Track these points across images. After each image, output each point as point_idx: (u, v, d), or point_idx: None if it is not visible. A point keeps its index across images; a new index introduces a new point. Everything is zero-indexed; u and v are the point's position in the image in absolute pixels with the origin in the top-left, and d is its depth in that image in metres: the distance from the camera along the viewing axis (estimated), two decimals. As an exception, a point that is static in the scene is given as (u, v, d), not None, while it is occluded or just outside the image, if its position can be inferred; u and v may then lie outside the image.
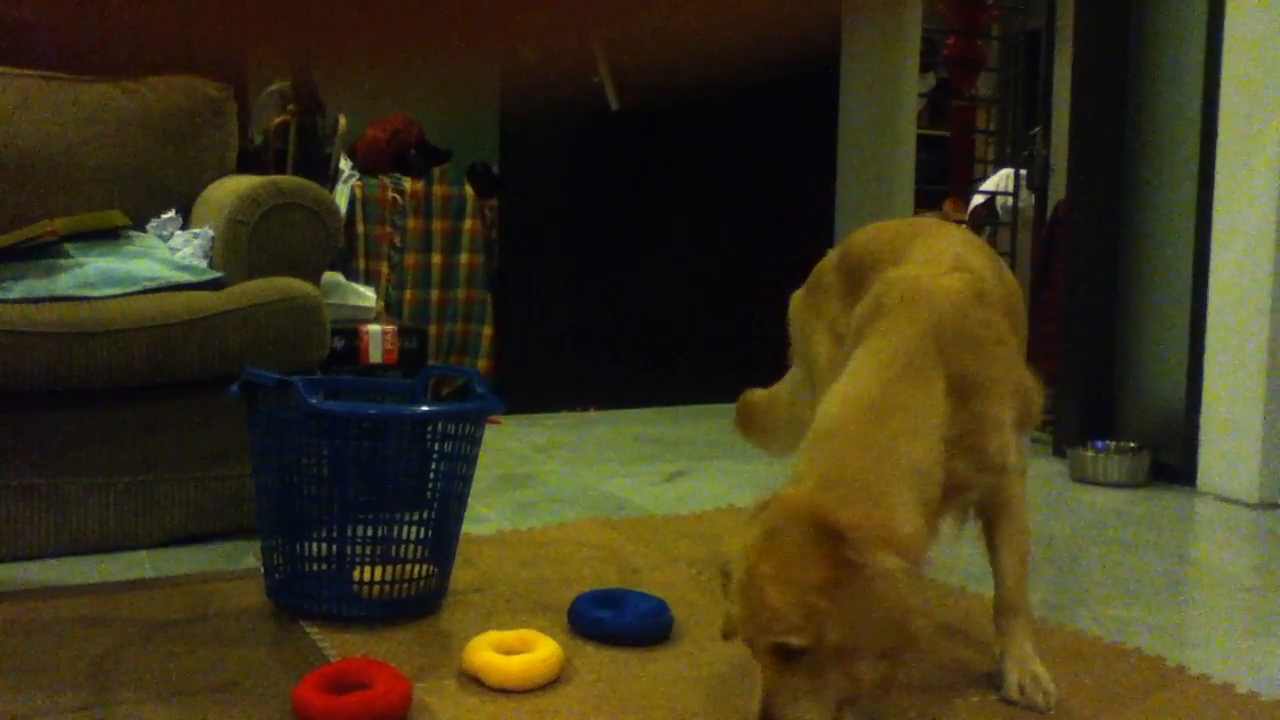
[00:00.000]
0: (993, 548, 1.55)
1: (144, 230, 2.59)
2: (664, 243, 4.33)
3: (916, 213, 4.84)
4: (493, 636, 1.60)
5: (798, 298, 1.90)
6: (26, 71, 2.65)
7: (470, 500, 1.93)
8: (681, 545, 2.29)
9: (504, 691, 1.51)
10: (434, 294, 4.10)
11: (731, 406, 2.17)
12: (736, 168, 4.42)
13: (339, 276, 3.03)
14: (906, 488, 1.31)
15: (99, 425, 2.20)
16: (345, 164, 3.98)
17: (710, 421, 3.92)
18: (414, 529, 1.85)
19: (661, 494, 2.82)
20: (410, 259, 4.05)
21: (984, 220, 5.57)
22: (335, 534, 1.81)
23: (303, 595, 1.81)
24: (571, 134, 4.07)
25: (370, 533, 1.82)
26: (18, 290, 2.21)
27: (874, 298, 1.51)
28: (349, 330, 2.90)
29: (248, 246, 2.39)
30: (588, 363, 4.20)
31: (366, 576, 1.81)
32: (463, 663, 1.57)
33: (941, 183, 5.84)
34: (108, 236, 2.45)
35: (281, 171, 3.04)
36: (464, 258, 4.13)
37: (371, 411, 1.82)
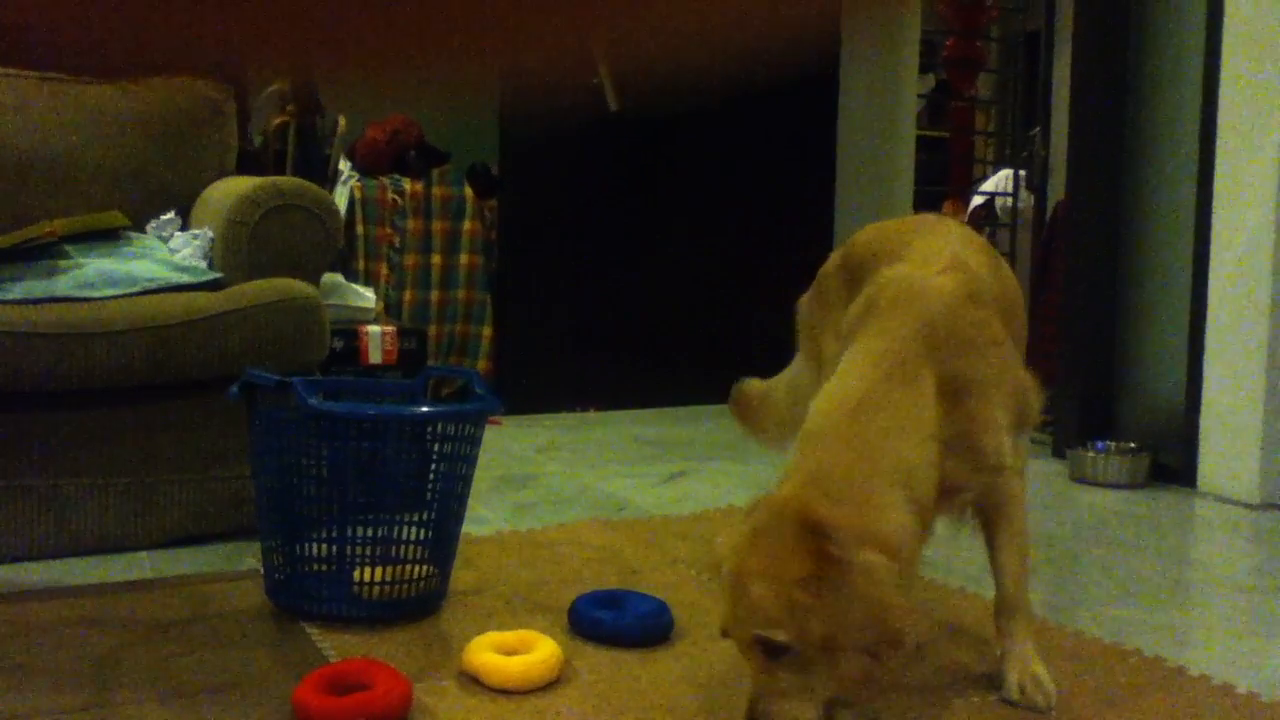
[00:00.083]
0: (992, 548, 1.55)
1: (143, 231, 2.59)
2: (664, 243, 4.33)
3: (916, 214, 4.83)
4: (493, 637, 1.60)
5: (804, 298, 1.90)
6: (26, 72, 2.65)
7: (470, 501, 1.93)
8: (681, 546, 2.29)
9: (504, 692, 1.51)
10: (433, 295, 4.10)
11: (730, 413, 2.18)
12: (736, 168, 4.42)
13: (338, 277, 3.03)
14: (894, 487, 1.31)
15: (98, 426, 2.20)
16: (344, 165, 3.99)
17: (710, 422, 3.92)
18: (414, 530, 1.85)
19: (661, 495, 2.82)
20: (410, 260, 4.05)
21: (983, 221, 5.57)
22: (335, 535, 1.81)
23: (303, 596, 1.81)
24: (571, 135, 4.07)
25: (370, 533, 1.82)
26: (17, 291, 2.21)
27: (867, 298, 1.51)
28: (349, 331, 2.90)
29: (247, 247, 2.39)
30: (587, 363, 4.20)
31: (366, 577, 1.81)
32: (463, 663, 1.57)
33: (941, 184, 5.84)
34: (107, 237, 2.45)
35: (281, 172, 3.04)
36: (463, 258, 4.14)
37: (371, 412, 1.82)
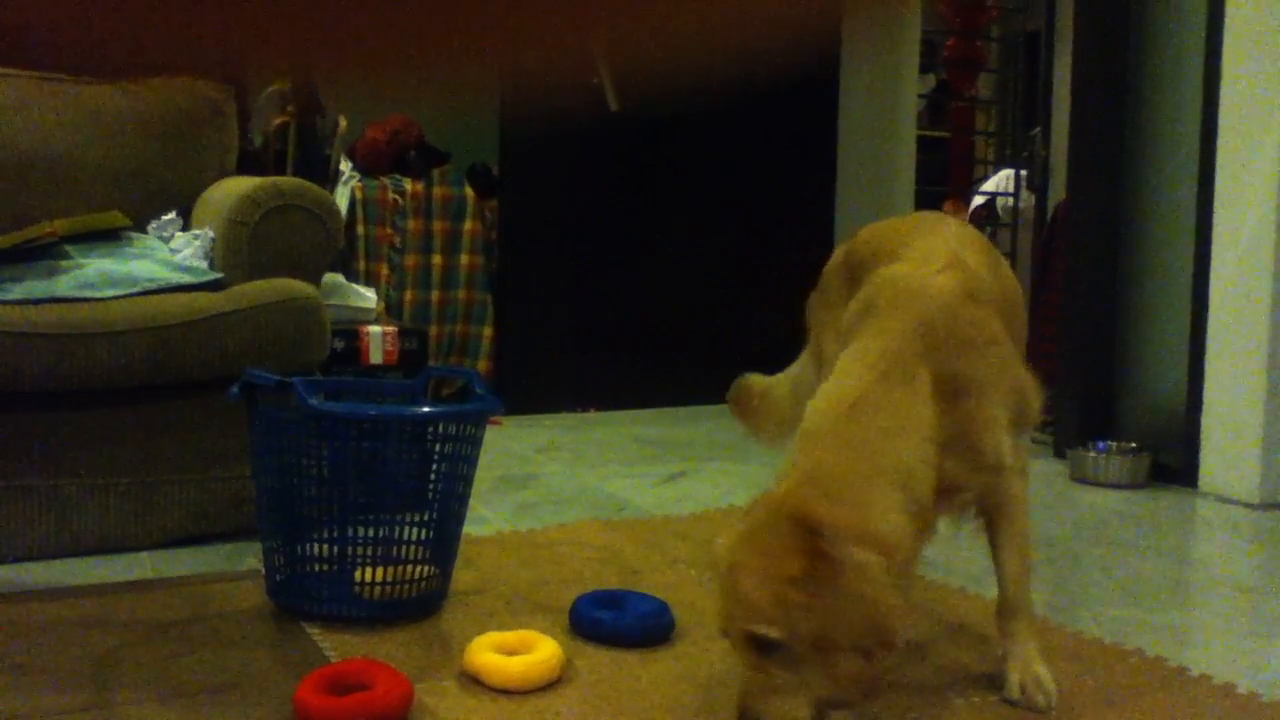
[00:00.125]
0: (994, 548, 1.55)
1: (144, 231, 2.59)
2: (664, 244, 4.33)
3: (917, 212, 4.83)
4: (493, 637, 1.60)
5: (811, 297, 1.90)
6: (26, 73, 2.65)
7: (471, 501, 1.93)
8: (682, 546, 2.29)
9: (504, 692, 1.51)
10: (434, 295, 4.10)
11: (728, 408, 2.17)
12: (737, 169, 4.42)
13: (339, 277, 3.03)
14: (888, 487, 1.31)
15: (99, 426, 2.20)
16: (345, 165, 3.99)
17: (710, 422, 3.92)
18: (415, 530, 1.85)
19: (662, 495, 2.82)
20: (410, 260, 4.05)
21: (984, 221, 5.57)
22: (336, 535, 1.81)
23: (303, 596, 1.81)
24: (571, 135, 4.07)
25: (371, 534, 1.82)
26: (18, 291, 2.21)
27: (865, 297, 1.51)
28: (349, 331, 2.90)
29: (248, 248, 2.39)
30: (588, 364, 4.20)
31: (367, 577, 1.81)
32: (463, 663, 1.57)
33: (941, 183, 5.84)
34: (108, 238, 2.45)
35: (281, 173, 3.04)
36: (464, 259, 4.14)
37: (372, 412, 1.82)
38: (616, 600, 1.79)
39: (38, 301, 2.20)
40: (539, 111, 3.64)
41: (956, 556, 2.21)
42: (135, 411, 2.23)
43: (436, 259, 4.10)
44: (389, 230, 4.01)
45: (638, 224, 4.30)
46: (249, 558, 2.17)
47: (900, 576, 1.25)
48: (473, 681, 1.55)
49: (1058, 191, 4.16)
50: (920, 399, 1.37)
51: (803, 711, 1.25)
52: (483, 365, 4.12)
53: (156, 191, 2.70)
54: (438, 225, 4.10)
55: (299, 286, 2.35)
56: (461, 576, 1.99)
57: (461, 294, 4.14)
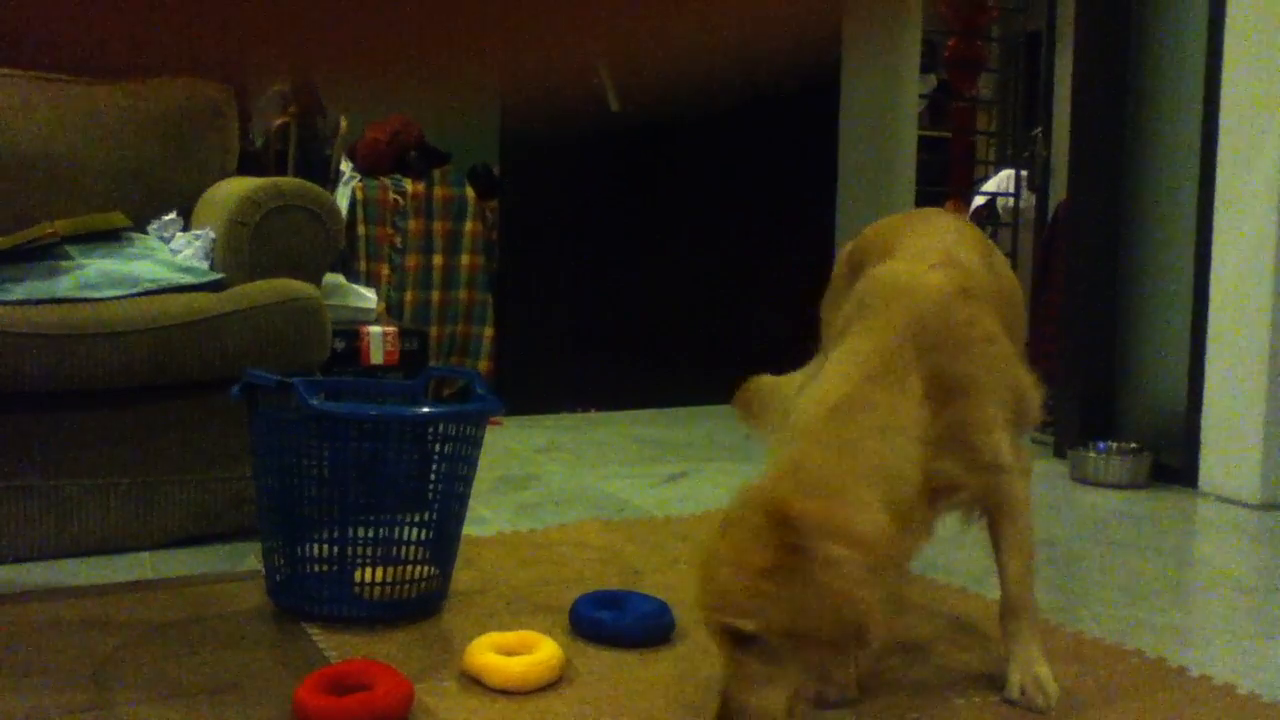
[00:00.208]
0: (996, 549, 1.54)
1: (145, 232, 2.59)
2: (664, 244, 4.33)
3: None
4: (493, 638, 1.60)
5: (824, 297, 1.90)
6: (28, 73, 2.65)
7: (471, 501, 1.93)
8: (682, 547, 2.29)
9: (505, 693, 1.51)
10: (435, 295, 4.10)
11: (731, 408, 2.17)
12: (737, 169, 4.42)
13: (340, 278, 3.03)
14: (870, 485, 1.30)
15: (100, 427, 2.20)
16: (346, 165, 3.99)
17: (711, 423, 3.92)
18: (415, 530, 1.85)
19: (662, 495, 2.82)
20: (411, 260, 4.05)
21: (985, 221, 5.57)
22: (336, 535, 1.81)
23: (304, 597, 1.81)
24: (572, 136, 4.07)
25: (371, 534, 1.82)
26: (18, 292, 2.21)
27: (857, 295, 1.50)
28: (350, 332, 2.90)
29: (249, 248, 2.39)
30: (588, 364, 4.20)
31: (367, 578, 1.81)
32: (464, 664, 1.57)
33: (942, 184, 5.84)
34: (109, 238, 2.45)
35: (282, 173, 3.04)
36: (465, 259, 4.14)
37: (372, 413, 1.82)
38: (617, 601, 1.79)
39: (39, 302, 2.20)
40: (540, 112, 3.64)
41: (956, 556, 2.21)
42: (136, 412, 2.23)
43: (437, 259, 4.10)
44: (390, 231, 4.01)
45: (638, 224, 4.30)
46: (249, 558, 2.17)
47: (879, 573, 1.25)
48: (473, 682, 1.55)
49: (1058, 192, 4.16)
50: (909, 398, 1.36)
51: (779, 702, 1.26)
52: (483, 366, 4.12)
53: (157, 192, 2.71)
54: (438, 226, 4.10)
55: (300, 287, 2.35)
56: (462, 577, 1.99)
57: (462, 294, 4.14)
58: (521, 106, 3.90)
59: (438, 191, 4.10)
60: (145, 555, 2.21)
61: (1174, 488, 3.05)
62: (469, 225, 4.14)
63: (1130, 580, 2.17)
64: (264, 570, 1.88)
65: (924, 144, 5.02)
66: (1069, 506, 2.86)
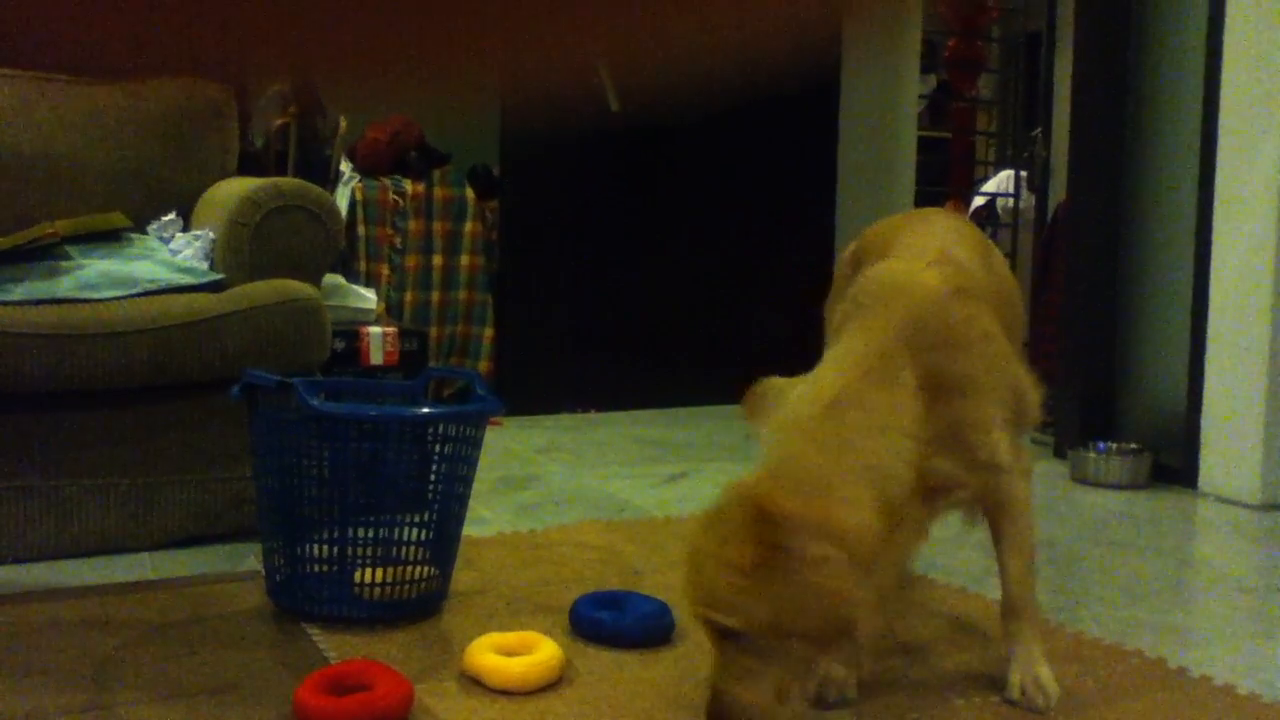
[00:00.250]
0: (997, 550, 1.54)
1: (145, 232, 2.59)
2: (664, 244, 4.33)
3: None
4: (493, 638, 1.60)
5: (829, 296, 1.90)
6: (28, 73, 2.65)
7: (471, 502, 1.93)
8: (682, 547, 2.29)
9: (505, 693, 1.51)
10: (434, 296, 4.10)
11: (732, 408, 2.17)
12: (737, 169, 4.42)
13: (340, 278, 3.03)
14: (860, 482, 1.29)
15: (100, 427, 2.20)
16: (345, 166, 3.99)
17: (711, 423, 3.92)
18: (415, 531, 1.85)
19: (662, 496, 2.82)
20: (411, 261, 4.05)
21: (985, 221, 5.57)
22: (336, 536, 1.81)
23: (304, 597, 1.81)
24: (572, 136, 4.07)
25: (371, 534, 1.82)
26: (18, 292, 2.21)
27: (853, 294, 1.50)
28: (350, 332, 2.90)
29: (249, 248, 2.39)
30: (588, 364, 4.20)
31: (367, 578, 1.81)
32: (464, 664, 1.57)
33: (942, 184, 5.84)
34: (109, 238, 2.45)
35: (282, 173, 3.04)
36: (464, 260, 4.14)
37: (372, 413, 1.82)
38: (617, 601, 1.79)
39: (38, 302, 2.20)
40: (540, 112, 3.64)
41: (957, 556, 2.21)
42: (136, 412, 2.23)
43: (437, 260, 4.10)
44: (389, 231, 4.01)
45: (638, 225, 4.30)
46: (249, 559, 2.17)
47: (865, 571, 1.25)
48: (473, 682, 1.55)
49: (1058, 192, 4.16)
50: (902, 396, 1.36)
51: (766, 696, 1.27)
52: (483, 366, 4.12)
53: (157, 192, 2.71)
54: (438, 226, 4.10)
55: (299, 287, 2.35)
56: (462, 577, 1.99)
57: (462, 295, 4.14)
58: (521, 107, 3.90)
59: (437, 192, 4.10)
60: (145, 556, 2.21)
61: (1174, 488, 3.05)
62: (469, 226, 4.14)
63: (1130, 581, 2.17)
64: (264, 571, 1.88)
65: (924, 144, 5.02)
66: (1069, 507, 2.86)
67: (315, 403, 1.72)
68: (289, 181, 2.51)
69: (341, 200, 3.87)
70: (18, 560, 2.13)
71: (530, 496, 2.80)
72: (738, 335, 4.32)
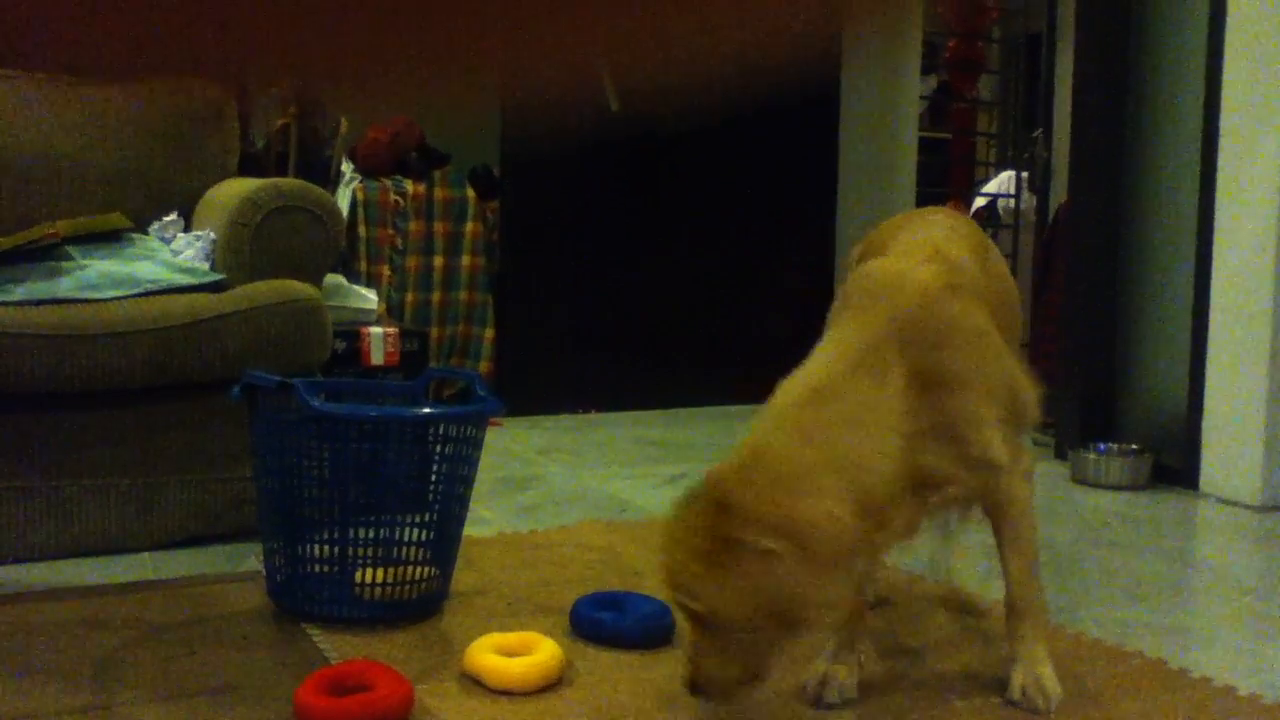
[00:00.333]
0: (1000, 551, 1.54)
1: (145, 232, 2.59)
2: (665, 245, 4.33)
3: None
4: (494, 639, 1.60)
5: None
6: (29, 74, 2.65)
7: (471, 502, 1.93)
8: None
9: (505, 694, 1.51)
10: (435, 296, 4.10)
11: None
12: (738, 170, 4.42)
13: (340, 279, 3.03)
14: (833, 475, 1.29)
15: (100, 427, 2.20)
16: (346, 166, 3.99)
17: (712, 424, 3.92)
18: (415, 531, 1.85)
19: (663, 496, 2.82)
20: (412, 261, 4.05)
21: (985, 222, 5.57)
22: (336, 536, 1.81)
23: (304, 597, 1.81)
24: (572, 137, 4.07)
25: (371, 535, 1.82)
26: (19, 292, 2.21)
27: (846, 291, 1.50)
28: (350, 332, 2.90)
29: (249, 249, 2.39)
30: (589, 365, 4.20)
31: (368, 578, 1.81)
32: (464, 665, 1.57)
33: (942, 185, 5.84)
34: (109, 239, 2.46)
35: (283, 174, 3.04)
36: (465, 260, 4.14)
37: (373, 413, 1.82)
38: (617, 602, 1.79)
39: (39, 302, 2.20)
40: (540, 113, 3.64)
41: (956, 556, 2.21)
42: (136, 412, 2.23)
43: (438, 260, 4.10)
44: (390, 232, 4.02)
45: (639, 225, 4.30)
46: (249, 559, 2.17)
47: (826, 566, 1.25)
48: (473, 683, 1.55)
49: (1059, 193, 4.16)
50: (888, 391, 1.35)
51: (732, 675, 1.29)
52: (484, 366, 4.12)
53: (158, 193, 2.71)
54: (439, 227, 4.11)
55: (300, 288, 2.35)
56: (462, 578, 1.99)
57: (463, 295, 4.14)
58: (522, 107, 3.90)
59: (438, 192, 4.11)
60: (146, 556, 2.21)
61: (1174, 489, 3.05)
62: (469, 226, 4.14)
63: (1131, 581, 2.17)
64: (264, 571, 1.88)
65: (924, 145, 5.02)
66: (1069, 508, 2.86)
67: (316, 403, 1.72)
68: (290, 182, 2.51)
69: (342, 201, 3.88)
70: (18, 560, 2.14)
71: (531, 497, 2.80)
72: (738, 336, 4.32)
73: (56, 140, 2.63)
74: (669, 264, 4.33)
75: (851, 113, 4.63)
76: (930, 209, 1.74)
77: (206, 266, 2.43)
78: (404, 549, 1.84)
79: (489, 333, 4.16)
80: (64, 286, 2.26)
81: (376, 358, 2.93)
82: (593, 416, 4.12)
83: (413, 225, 4.05)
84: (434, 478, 1.85)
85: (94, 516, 2.20)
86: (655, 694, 1.53)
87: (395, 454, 1.79)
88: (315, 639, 1.72)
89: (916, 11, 4.68)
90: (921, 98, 5.11)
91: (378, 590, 1.80)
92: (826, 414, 1.33)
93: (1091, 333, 3.42)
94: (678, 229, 4.35)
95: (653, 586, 1.97)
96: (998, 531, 1.53)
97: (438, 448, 1.84)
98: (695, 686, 1.32)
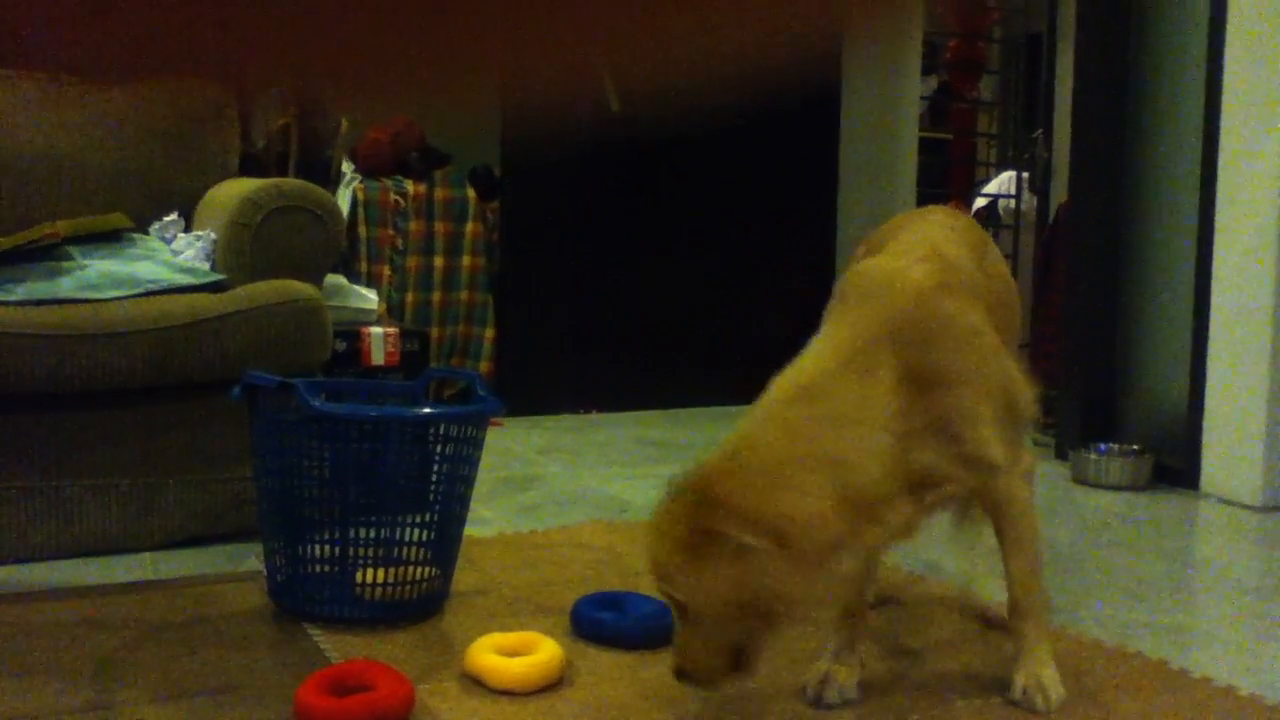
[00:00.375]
0: (1002, 551, 1.53)
1: (146, 233, 2.59)
2: (665, 245, 4.33)
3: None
4: (495, 639, 1.60)
5: None
6: (30, 74, 2.65)
7: (472, 502, 1.93)
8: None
9: (506, 694, 1.51)
10: (436, 296, 4.10)
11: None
12: (738, 170, 4.42)
13: (341, 279, 3.03)
14: (815, 472, 1.29)
15: (101, 428, 2.20)
16: (347, 166, 3.99)
17: (712, 424, 3.92)
18: (416, 531, 1.85)
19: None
20: (412, 261, 4.05)
21: (986, 223, 5.57)
22: (337, 536, 1.81)
23: (305, 597, 1.81)
24: (573, 137, 4.07)
25: (372, 535, 1.82)
26: (20, 292, 2.21)
27: (839, 289, 1.50)
28: (351, 332, 2.90)
29: (250, 249, 2.39)
30: (589, 365, 4.20)
31: (368, 578, 1.81)
32: (465, 665, 1.57)
33: (943, 186, 5.84)
34: (110, 239, 2.46)
35: (283, 174, 3.04)
36: (465, 260, 4.14)
37: (373, 414, 1.82)
38: (618, 602, 1.79)
39: (40, 302, 2.20)
40: (541, 113, 3.64)
41: (959, 556, 2.21)
42: (137, 413, 2.23)
43: (438, 260, 4.10)
44: (391, 232, 4.02)
45: (639, 225, 4.30)
46: (250, 559, 2.17)
47: (807, 563, 1.25)
48: (474, 683, 1.55)
49: (1059, 193, 4.15)
50: (878, 389, 1.34)
51: (714, 664, 1.31)
52: (484, 367, 4.12)
53: (158, 193, 2.71)
54: (439, 227, 4.11)
55: (301, 288, 2.35)
56: (463, 578, 1.99)
57: (463, 295, 4.14)
58: (522, 107, 3.89)
59: (439, 193, 4.11)
60: (146, 556, 2.21)
61: (1175, 489, 3.05)
62: (470, 226, 4.14)
63: (1132, 582, 2.17)
64: (265, 571, 1.88)
65: (925, 146, 5.02)
66: (1070, 508, 2.86)
67: (316, 403, 1.72)
68: (290, 182, 2.51)
69: (343, 201, 3.88)
70: (19, 560, 2.14)
71: (531, 497, 2.80)
72: (739, 336, 4.32)
73: (57, 140, 2.63)
74: (670, 264, 4.33)
75: (852, 113, 4.63)
76: (932, 208, 1.74)
77: (207, 266, 2.43)
78: (404, 549, 1.84)
79: (489, 333, 4.16)
80: (65, 286, 2.26)
81: (377, 358, 2.93)
82: (593, 416, 4.12)
83: (413, 225, 4.05)
84: (434, 478, 1.85)
85: (94, 516, 2.20)
86: (656, 694, 1.53)
87: (396, 454, 1.79)
88: (316, 639, 1.72)
89: (918, 12, 4.68)
90: (922, 98, 5.11)
91: (378, 590, 1.80)
92: (814, 411, 1.33)
93: (1092, 333, 3.42)
94: (678, 229, 4.35)
95: (653, 586, 1.97)
96: (999, 532, 1.53)
97: (438, 448, 1.84)
98: (681, 673, 1.33)
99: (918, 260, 1.47)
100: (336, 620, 1.78)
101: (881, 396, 1.34)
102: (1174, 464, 3.10)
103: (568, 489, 2.90)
